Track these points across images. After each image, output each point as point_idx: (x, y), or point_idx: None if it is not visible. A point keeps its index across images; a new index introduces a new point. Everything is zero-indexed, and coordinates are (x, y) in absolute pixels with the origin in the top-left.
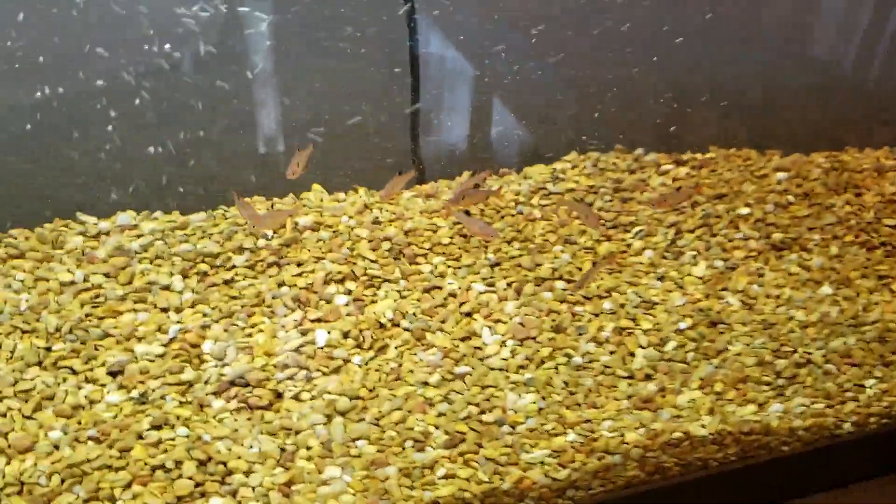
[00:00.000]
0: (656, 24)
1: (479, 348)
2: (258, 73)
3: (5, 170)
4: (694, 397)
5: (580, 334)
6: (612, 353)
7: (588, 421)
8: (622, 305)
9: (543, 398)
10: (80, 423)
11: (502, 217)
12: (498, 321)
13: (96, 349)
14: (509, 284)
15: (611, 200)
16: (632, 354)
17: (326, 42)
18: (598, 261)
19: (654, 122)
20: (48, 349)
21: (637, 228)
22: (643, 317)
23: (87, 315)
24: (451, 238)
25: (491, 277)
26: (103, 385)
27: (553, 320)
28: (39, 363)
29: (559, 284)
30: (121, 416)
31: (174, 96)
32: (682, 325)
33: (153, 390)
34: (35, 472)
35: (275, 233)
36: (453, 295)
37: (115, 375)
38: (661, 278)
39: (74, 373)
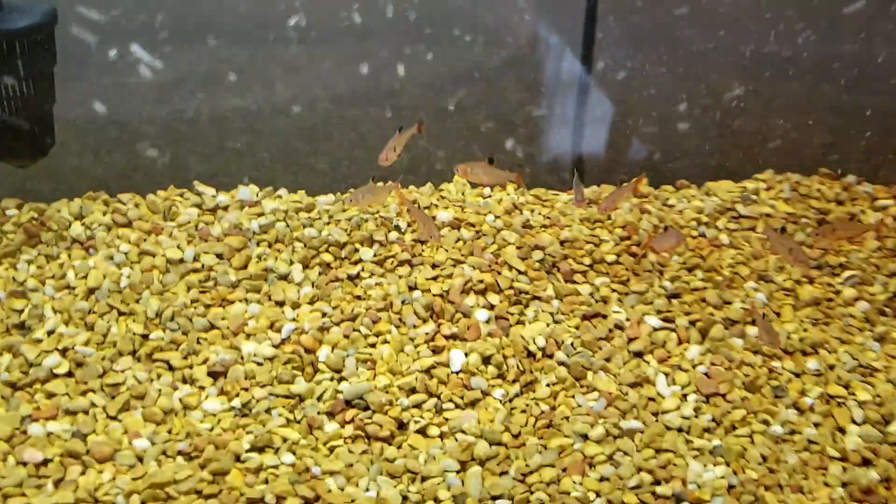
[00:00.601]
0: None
1: (652, 399)
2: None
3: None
4: None
5: (777, 397)
6: (817, 425)
7: None
8: (832, 367)
9: (735, 473)
10: (170, 431)
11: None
12: (677, 367)
13: (199, 343)
14: (692, 323)
15: (817, 235)
16: (842, 430)
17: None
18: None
19: (865, 147)
20: (145, 337)
21: (848, 273)
22: (859, 385)
23: (192, 301)
24: (618, 256)
25: (668, 311)
26: (202, 388)
27: (746, 375)
28: (133, 353)
29: (752, 330)
30: (218, 428)
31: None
32: None
33: (258, 401)
34: (112, 489)
35: (409, 225)
36: (620, 327)
37: (217, 377)
38: (879, 339)
39: (171, 369)
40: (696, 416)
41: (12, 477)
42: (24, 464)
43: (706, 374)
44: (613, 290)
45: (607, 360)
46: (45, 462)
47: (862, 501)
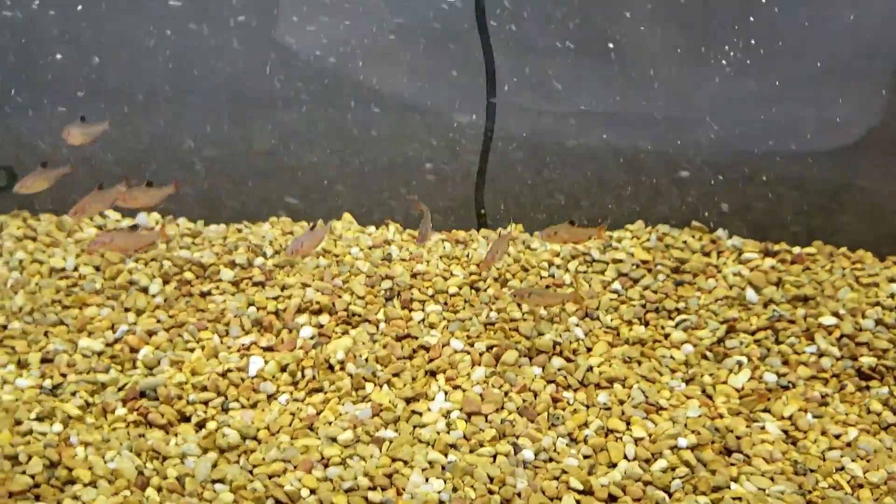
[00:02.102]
0: None
1: (419, 413)
2: None
3: None
4: None
5: (553, 425)
6: (587, 457)
7: None
8: (621, 402)
9: (455, 490)
10: None
11: (526, 275)
12: (458, 387)
13: (45, 335)
14: (489, 348)
15: (664, 280)
16: (613, 465)
17: None
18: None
19: (748, 205)
20: (4, 327)
21: (682, 317)
22: (640, 422)
23: (54, 301)
24: (460, 288)
25: (476, 337)
26: (28, 370)
27: (524, 400)
28: None
29: (556, 362)
30: (19, 401)
31: None
32: (683, 443)
33: (68, 384)
34: None
35: (277, 253)
36: (426, 348)
37: (45, 363)
38: (688, 380)
39: (14, 352)
40: (448, 432)
41: None
42: None
43: (480, 394)
44: (443, 318)
45: (395, 375)
46: None
47: None
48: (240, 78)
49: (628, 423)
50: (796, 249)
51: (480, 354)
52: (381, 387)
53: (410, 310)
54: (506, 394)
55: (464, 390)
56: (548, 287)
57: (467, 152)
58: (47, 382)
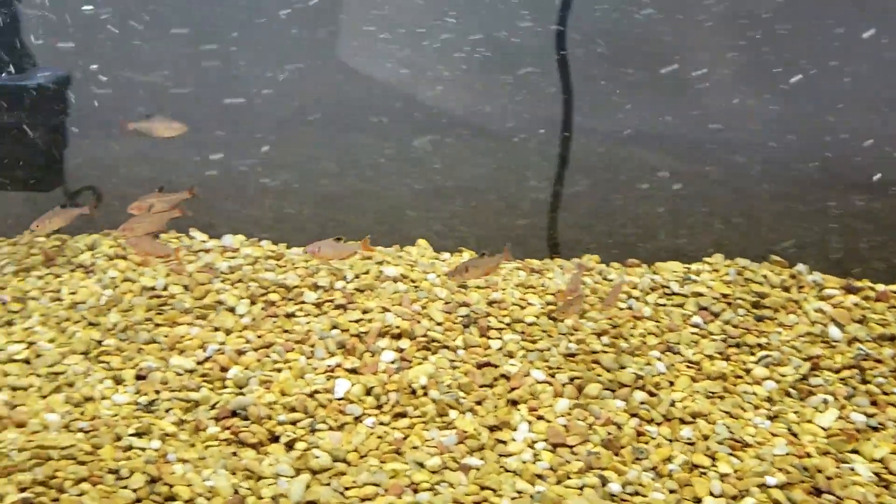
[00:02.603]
0: None
1: (503, 442)
2: None
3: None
4: None
5: (637, 458)
6: (672, 491)
7: None
8: (705, 437)
9: None
10: (82, 413)
11: (603, 305)
12: (541, 417)
13: (138, 352)
14: (572, 379)
15: (745, 314)
16: (699, 501)
17: None
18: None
19: (824, 238)
20: (99, 342)
21: (764, 353)
22: (726, 458)
23: (146, 319)
24: (537, 318)
25: (558, 368)
26: (124, 386)
27: (609, 433)
28: (85, 353)
29: (639, 395)
30: (118, 416)
31: None
32: (772, 481)
33: (162, 401)
34: (10, 444)
35: (357, 277)
36: (506, 377)
37: (140, 380)
38: (772, 417)
39: (110, 369)
40: (534, 462)
41: None
42: None
43: (565, 425)
44: (521, 347)
45: (478, 403)
46: None
47: None
48: (306, 101)
49: (713, 459)
50: (880, 287)
51: (563, 385)
52: (464, 414)
53: (488, 337)
54: (590, 426)
55: (548, 421)
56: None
57: (535, 179)
58: (143, 399)
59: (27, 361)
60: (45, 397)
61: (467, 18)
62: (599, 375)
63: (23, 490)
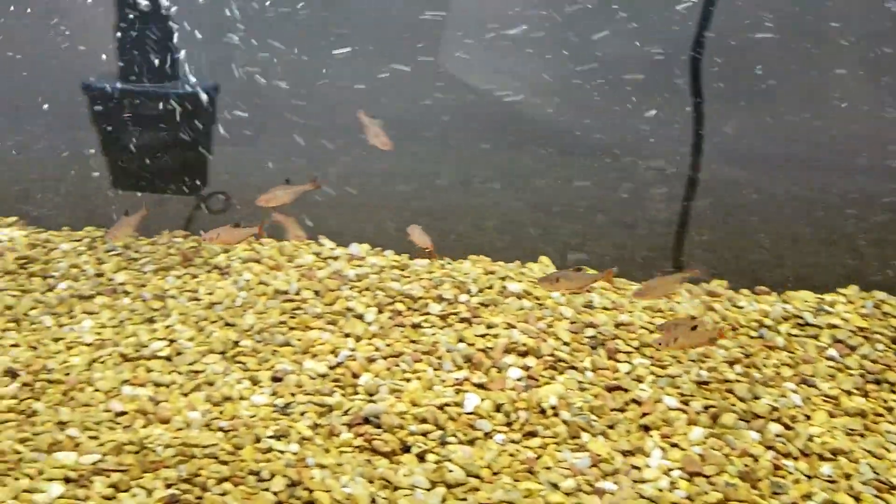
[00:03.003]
0: None
1: (637, 468)
2: None
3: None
4: None
5: (775, 493)
6: None
7: None
8: (847, 476)
9: None
10: (221, 412)
11: (735, 334)
12: (675, 445)
13: (273, 354)
14: (706, 408)
15: (884, 350)
16: None
17: None
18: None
19: None
20: (236, 343)
21: None
22: (870, 499)
23: (280, 322)
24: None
25: (690, 395)
26: (260, 387)
27: (745, 465)
28: (223, 353)
29: (774, 428)
30: (256, 417)
31: None
32: None
33: (298, 404)
34: (157, 440)
35: (480, 291)
36: (637, 402)
37: (276, 382)
38: None
39: (246, 370)
40: (671, 490)
41: (96, 417)
42: (108, 410)
43: (700, 454)
44: (651, 372)
45: (610, 426)
46: (122, 413)
47: None
48: (423, 115)
49: (858, 500)
50: None
51: (697, 414)
52: (596, 437)
53: (616, 360)
54: (726, 456)
55: (682, 449)
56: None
57: (653, 199)
58: (279, 401)
59: (168, 358)
60: (186, 395)
61: (584, 35)
62: (733, 405)
63: (169, 486)
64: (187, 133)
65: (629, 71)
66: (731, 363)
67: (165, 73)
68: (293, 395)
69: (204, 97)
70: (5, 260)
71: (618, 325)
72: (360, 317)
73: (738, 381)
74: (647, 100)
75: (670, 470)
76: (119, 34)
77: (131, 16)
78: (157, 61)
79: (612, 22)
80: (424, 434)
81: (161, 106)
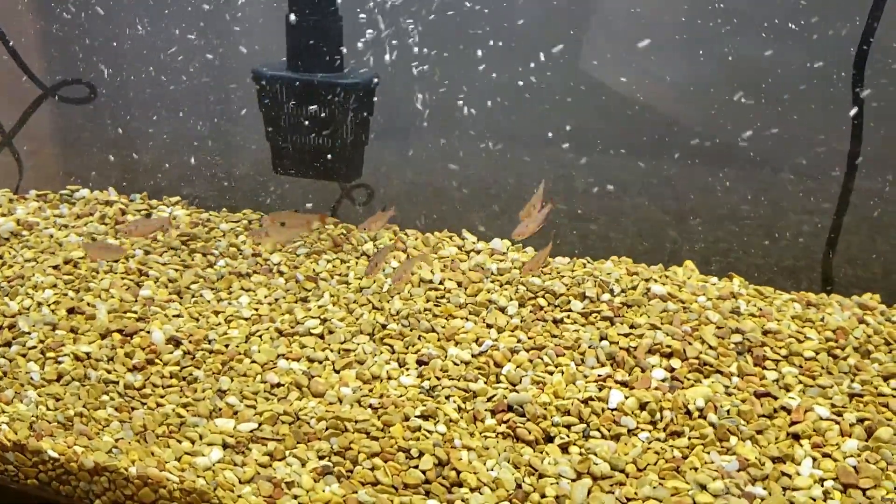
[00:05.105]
0: None
1: (787, 475)
2: None
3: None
4: None
5: None
6: None
7: None
8: None
9: None
10: (371, 390)
11: (889, 349)
12: (827, 456)
13: (419, 339)
14: (860, 420)
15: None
16: None
17: None
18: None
19: None
20: (384, 326)
21: None
22: None
23: (426, 309)
24: (817, 353)
25: (843, 407)
26: (407, 369)
27: None
28: (371, 334)
29: None
30: (404, 396)
31: None
32: None
33: (443, 388)
34: (311, 412)
35: (623, 291)
36: (787, 410)
37: (421, 365)
38: None
39: (393, 351)
40: (825, 501)
41: (252, 388)
42: (265, 382)
43: (854, 466)
44: (800, 382)
45: (759, 432)
46: (278, 385)
47: None
48: (554, 119)
49: None
50: None
51: (851, 426)
52: (744, 441)
53: (763, 367)
54: (882, 470)
55: (835, 460)
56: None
57: (796, 209)
58: (425, 384)
59: (321, 336)
60: (338, 371)
61: (733, 39)
62: (890, 420)
63: (321, 458)
64: (347, 123)
65: (782, 79)
66: (886, 378)
67: (331, 63)
68: (438, 378)
69: (365, 89)
70: (170, 236)
71: (765, 333)
72: (502, 309)
73: (893, 396)
74: (799, 107)
75: (823, 480)
76: (289, 23)
77: (302, 5)
78: (324, 51)
79: (761, 27)
80: (568, 426)
81: (324, 95)
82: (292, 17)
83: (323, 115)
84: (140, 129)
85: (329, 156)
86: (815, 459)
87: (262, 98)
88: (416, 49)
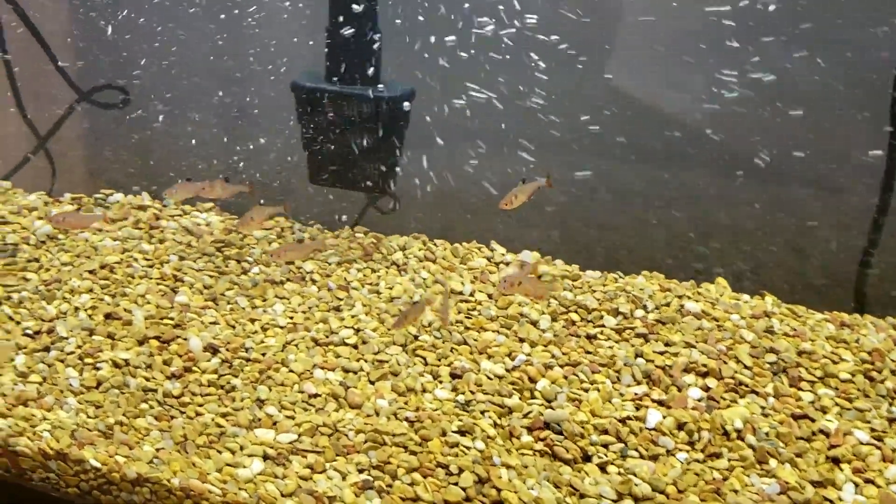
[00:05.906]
0: None
1: (829, 501)
2: None
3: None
4: None
5: None
6: None
7: None
8: None
9: None
10: (406, 403)
11: None
12: (870, 482)
13: (451, 351)
14: None
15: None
16: None
17: None
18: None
19: None
20: (416, 337)
21: None
22: None
23: (457, 322)
24: (853, 375)
25: (883, 431)
26: (441, 382)
27: None
28: (404, 345)
29: None
30: (440, 410)
31: None
32: None
33: (478, 402)
34: (348, 424)
35: (657, 308)
36: (825, 433)
37: (455, 378)
38: None
39: (426, 363)
40: None
41: (290, 397)
42: (302, 392)
43: None
44: (836, 404)
45: (798, 455)
46: (315, 395)
47: None
48: (575, 129)
49: None
50: None
51: (893, 451)
52: (783, 464)
53: (799, 388)
54: None
55: (877, 486)
56: None
57: (825, 226)
58: (460, 397)
59: (355, 346)
60: (373, 382)
61: (766, 51)
62: None
63: (361, 472)
64: (383, 136)
65: (818, 93)
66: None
67: (371, 76)
68: (473, 392)
69: (403, 103)
70: (204, 241)
71: (800, 353)
72: (534, 323)
73: None
74: (833, 122)
75: None
76: (328, 36)
77: (341, 18)
78: (363, 65)
79: (803, 40)
80: (605, 445)
81: (362, 108)
82: (336, 29)
83: (362, 126)
84: (169, 132)
85: (365, 166)
86: (856, 485)
87: (299, 109)
88: (443, 62)
